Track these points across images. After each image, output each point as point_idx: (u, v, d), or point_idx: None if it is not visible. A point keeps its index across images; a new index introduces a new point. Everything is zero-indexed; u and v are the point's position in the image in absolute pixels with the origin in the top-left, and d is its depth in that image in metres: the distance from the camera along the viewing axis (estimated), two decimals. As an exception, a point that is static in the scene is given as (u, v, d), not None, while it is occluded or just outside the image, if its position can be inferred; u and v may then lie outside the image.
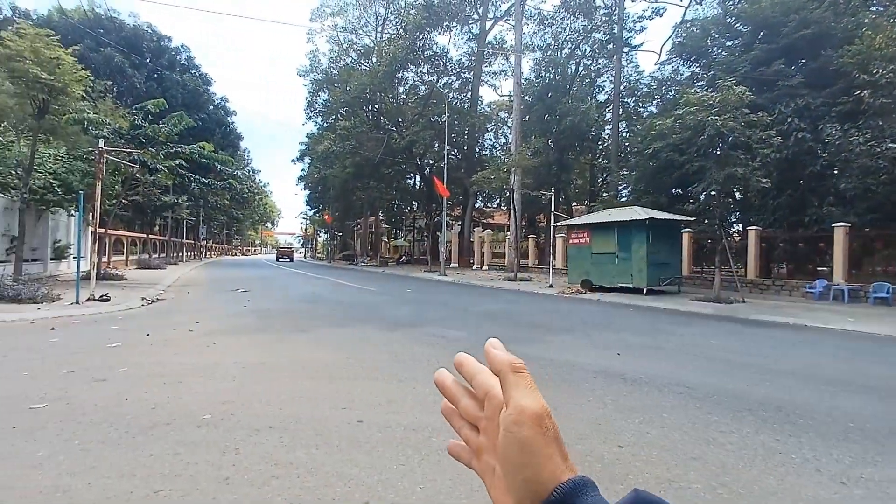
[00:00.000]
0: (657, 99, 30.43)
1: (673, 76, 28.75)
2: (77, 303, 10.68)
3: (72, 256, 18.47)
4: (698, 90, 17.34)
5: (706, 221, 17.60)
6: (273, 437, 3.65)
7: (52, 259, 17.37)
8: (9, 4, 36.85)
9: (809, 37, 17.39)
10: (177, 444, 3.49)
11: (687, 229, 19.15)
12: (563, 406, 4.45)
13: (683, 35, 25.82)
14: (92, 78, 13.18)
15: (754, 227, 17.84)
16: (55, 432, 3.65)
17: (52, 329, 8.03)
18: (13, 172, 13.00)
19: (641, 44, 49.42)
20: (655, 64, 39.64)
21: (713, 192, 14.82)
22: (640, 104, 34.30)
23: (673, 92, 26.46)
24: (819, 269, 17.54)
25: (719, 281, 14.67)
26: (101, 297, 11.37)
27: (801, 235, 17.80)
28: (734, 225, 23.26)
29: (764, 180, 13.94)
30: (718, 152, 14.50)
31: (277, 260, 53.99)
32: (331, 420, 4.02)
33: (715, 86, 15.09)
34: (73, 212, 17.32)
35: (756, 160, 14.10)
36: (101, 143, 12.64)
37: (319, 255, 70.01)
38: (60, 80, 11.44)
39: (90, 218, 13.08)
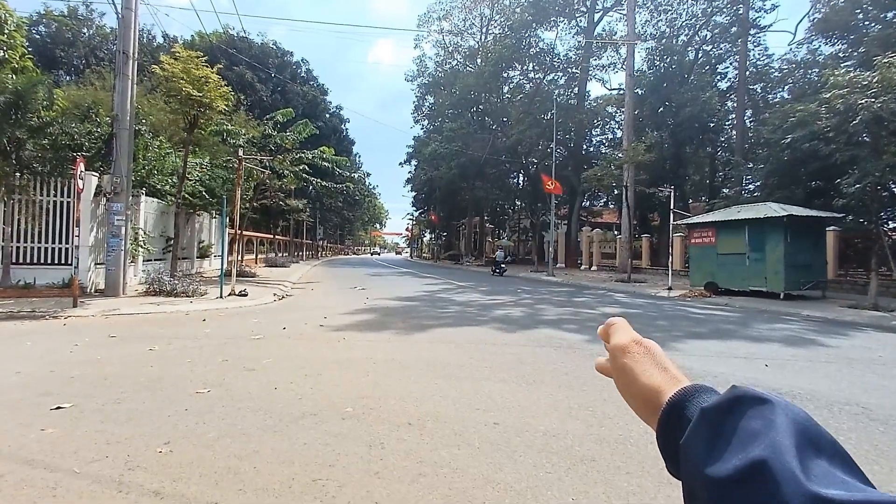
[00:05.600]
0: (791, 83, 27.47)
1: (811, 57, 25.81)
2: (221, 297, 11.83)
3: (214, 255, 20.58)
4: (849, 70, 15.33)
5: (852, 218, 15.52)
6: (414, 434, 3.72)
7: (197, 257, 19.42)
8: (161, 33, 41.99)
9: None
10: (326, 434, 3.67)
11: (832, 227, 17.02)
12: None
13: (825, 9, 23.09)
14: (232, 93, 14.49)
15: (920, 225, 15.44)
16: (220, 416, 4.00)
17: (204, 320, 8.93)
18: (169, 180, 14.72)
19: (771, 24, 44.74)
20: (789, 45, 35.84)
21: (868, 186, 13.03)
22: (770, 90, 31.18)
23: (812, 74, 23.77)
24: None
25: (876, 286, 12.90)
26: (241, 292, 12.50)
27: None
28: (890, 222, 20.29)
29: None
30: (874, 139, 12.72)
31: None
32: (467, 421, 4.02)
33: (868, 64, 13.26)
34: (215, 214, 19.29)
35: (925, 147, 12.16)
36: (241, 153, 13.92)
37: (425, 255, 71.75)
38: (207, 97, 12.76)
39: (228, 220, 14.40)
